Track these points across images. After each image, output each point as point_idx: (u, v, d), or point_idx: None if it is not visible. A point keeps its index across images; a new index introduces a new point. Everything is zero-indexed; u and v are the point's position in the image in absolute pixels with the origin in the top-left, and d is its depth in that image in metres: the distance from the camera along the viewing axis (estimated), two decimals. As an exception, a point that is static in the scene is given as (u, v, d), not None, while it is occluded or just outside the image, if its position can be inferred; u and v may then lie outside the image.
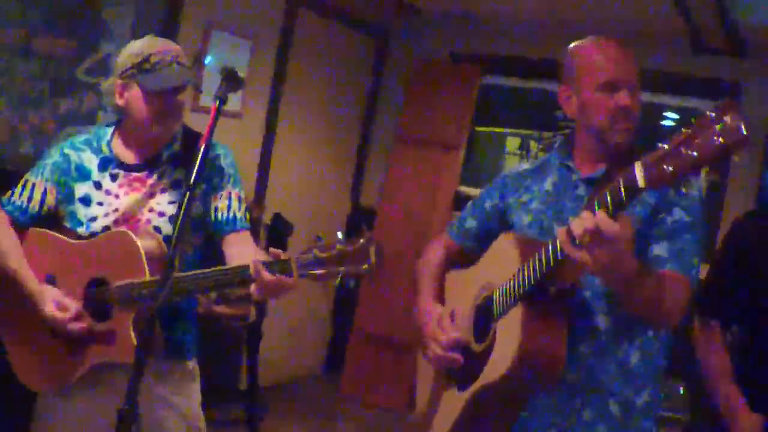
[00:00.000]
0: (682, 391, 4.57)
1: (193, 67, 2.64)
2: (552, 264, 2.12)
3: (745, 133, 1.70)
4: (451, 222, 2.86)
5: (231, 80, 2.23)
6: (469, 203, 2.80)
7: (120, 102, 2.65)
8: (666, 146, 1.80)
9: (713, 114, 1.73)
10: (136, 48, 2.61)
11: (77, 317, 2.55)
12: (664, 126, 6.21)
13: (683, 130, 1.78)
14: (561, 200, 2.47)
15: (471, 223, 2.76)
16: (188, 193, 2.11)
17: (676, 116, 6.20)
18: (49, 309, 2.55)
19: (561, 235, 2.04)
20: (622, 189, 1.89)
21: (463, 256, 2.74)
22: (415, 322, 2.72)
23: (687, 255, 2.28)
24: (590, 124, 2.39)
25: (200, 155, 2.13)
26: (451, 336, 2.53)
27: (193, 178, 2.12)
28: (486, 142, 7.06)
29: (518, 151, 6.85)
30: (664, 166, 1.80)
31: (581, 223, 1.96)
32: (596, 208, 1.95)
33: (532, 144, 6.64)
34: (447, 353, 2.52)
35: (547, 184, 2.53)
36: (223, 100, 2.23)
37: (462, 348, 2.52)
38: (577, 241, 1.99)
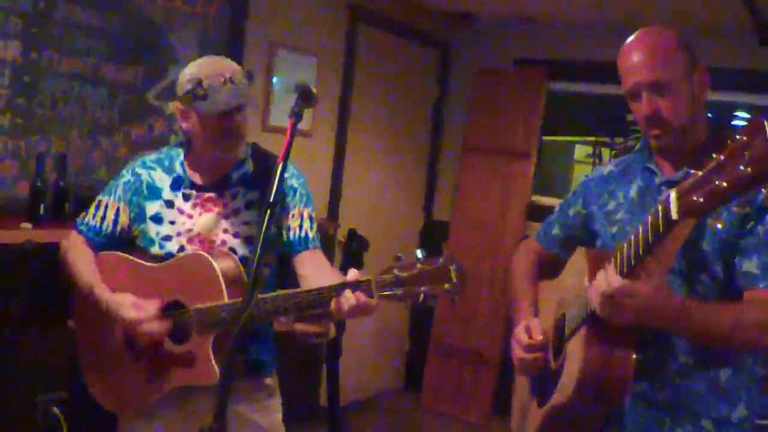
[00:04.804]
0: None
1: (249, 84, 2.63)
2: None
3: None
4: (539, 229, 2.81)
5: (306, 96, 2.21)
6: (556, 209, 2.74)
7: (184, 125, 2.68)
8: (699, 173, 1.70)
9: (744, 137, 1.60)
10: (191, 72, 2.61)
11: (156, 318, 2.53)
12: (736, 126, 5.96)
13: (714, 155, 1.67)
14: (645, 206, 2.35)
15: (556, 230, 2.71)
16: (269, 211, 2.06)
17: (746, 115, 5.95)
18: (128, 312, 2.53)
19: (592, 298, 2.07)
20: (660, 221, 1.82)
21: (554, 261, 2.68)
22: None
23: None
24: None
25: (278, 173, 2.10)
26: (536, 339, 2.50)
27: (272, 196, 2.08)
28: (554, 152, 6.95)
29: (588, 159, 6.73)
30: (694, 197, 1.70)
31: (595, 290, 1.99)
32: (612, 263, 1.98)
33: (605, 151, 6.51)
34: (526, 355, 2.50)
35: (633, 191, 2.42)
36: (299, 117, 2.20)
37: (543, 364, 2.49)
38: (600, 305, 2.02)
